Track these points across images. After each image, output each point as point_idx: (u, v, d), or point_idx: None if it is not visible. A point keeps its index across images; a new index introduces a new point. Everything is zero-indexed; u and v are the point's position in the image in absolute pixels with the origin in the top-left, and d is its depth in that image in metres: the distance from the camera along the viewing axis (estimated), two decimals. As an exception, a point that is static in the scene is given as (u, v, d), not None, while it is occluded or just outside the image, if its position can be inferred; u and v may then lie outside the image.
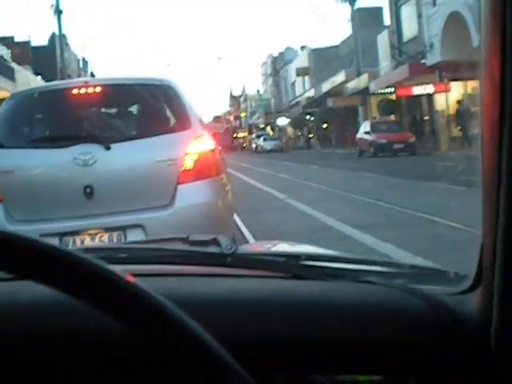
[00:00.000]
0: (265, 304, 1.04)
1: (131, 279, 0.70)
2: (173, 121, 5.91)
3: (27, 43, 46.36)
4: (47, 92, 6.15)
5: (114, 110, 6.64)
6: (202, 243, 1.30)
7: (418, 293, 1.09)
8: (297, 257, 1.26)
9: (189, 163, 5.39)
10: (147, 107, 6.08)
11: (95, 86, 5.77)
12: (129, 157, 5.45)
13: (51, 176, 5.40)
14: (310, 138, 67.88)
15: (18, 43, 43.38)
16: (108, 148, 5.36)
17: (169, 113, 6.01)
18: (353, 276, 1.18)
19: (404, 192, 14.39)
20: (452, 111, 34.53)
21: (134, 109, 6.45)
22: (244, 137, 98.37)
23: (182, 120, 5.69)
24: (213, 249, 1.26)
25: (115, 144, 5.42)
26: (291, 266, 1.21)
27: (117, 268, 0.71)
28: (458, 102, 33.28)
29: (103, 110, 6.52)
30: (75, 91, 5.76)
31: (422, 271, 1.32)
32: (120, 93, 5.98)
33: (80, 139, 5.43)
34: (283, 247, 1.82)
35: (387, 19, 46.21)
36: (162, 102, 6.00)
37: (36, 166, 5.52)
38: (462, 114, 32.67)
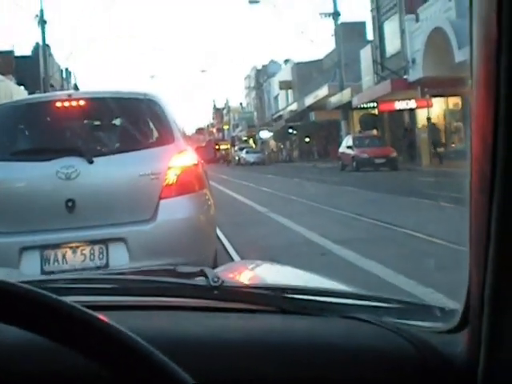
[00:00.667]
0: (252, 342, 1.03)
1: (103, 318, 0.70)
2: (156, 135, 5.91)
3: (11, 53, 46.17)
4: (30, 104, 6.13)
5: (97, 124, 6.63)
6: (189, 275, 1.29)
7: (405, 332, 1.07)
8: (283, 290, 1.25)
9: (172, 178, 5.38)
10: (131, 121, 6.07)
11: (79, 100, 5.76)
12: (112, 171, 5.44)
13: (33, 189, 5.37)
14: (293, 151, 68.06)
15: (1, 52, 43.19)
16: (91, 162, 5.35)
17: (152, 127, 6.01)
18: (340, 311, 1.17)
19: (385, 207, 14.44)
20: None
21: (117, 123, 6.44)
22: (227, 149, 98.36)
23: (166, 134, 5.68)
24: (200, 281, 1.25)
25: (98, 158, 5.41)
26: (278, 299, 1.20)
27: (102, 299, 0.71)
28: (428, 119, 33.55)
29: (86, 123, 6.50)
30: (58, 104, 5.75)
31: (409, 307, 1.31)
32: (103, 106, 5.96)
33: (63, 152, 5.41)
34: (268, 273, 1.81)
35: (370, 34, 46.49)
36: (145, 116, 6.00)
37: (18, 179, 5.49)
38: (432, 131, 32.96)
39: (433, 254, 8.38)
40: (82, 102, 5.74)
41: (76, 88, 47.04)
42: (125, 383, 0.70)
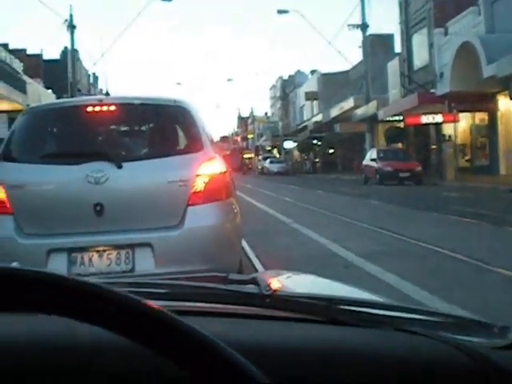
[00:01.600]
0: (313, 351, 1.03)
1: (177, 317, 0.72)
2: (185, 142, 5.94)
3: (39, 56, 46.60)
4: (62, 108, 6.18)
5: (127, 129, 6.67)
6: (241, 282, 1.30)
7: (464, 347, 1.06)
8: (334, 301, 1.26)
9: (200, 185, 5.41)
10: (160, 127, 6.11)
11: (109, 105, 5.80)
12: (140, 176, 5.47)
13: (62, 192, 5.42)
14: (316, 162, 67.95)
15: (30, 56, 43.59)
16: (120, 167, 5.38)
17: (182, 134, 6.04)
18: (392, 324, 1.16)
19: (409, 221, 14.39)
20: (460, 141, 34.74)
21: (147, 128, 6.48)
22: (250, 158, 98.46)
23: (195, 142, 5.71)
24: (252, 289, 1.25)
25: (127, 163, 5.44)
26: (330, 310, 1.20)
27: (156, 303, 0.73)
28: (449, 136, 33.67)
29: (116, 128, 6.55)
30: (89, 109, 5.80)
31: (461, 322, 1.29)
32: (134, 112, 6.00)
33: (92, 157, 5.45)
34: (309, 284, 1.81)
35: (398, 47, 46.40)
36: (175, 123, 6.03)
37: (48, 182, 5.54)
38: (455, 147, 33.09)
39: (455, 270, 8.35)
40: (112, 108, 5.78)
41: (107, 94, 47.31)
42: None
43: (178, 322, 0.72)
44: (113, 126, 6.41)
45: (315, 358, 1.02)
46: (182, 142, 6.02)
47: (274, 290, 1.21)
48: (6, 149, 5.71)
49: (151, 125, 6.36)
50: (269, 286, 1.21)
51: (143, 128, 6.53)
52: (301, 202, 21.29)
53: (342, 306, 1.21)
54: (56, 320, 0.75)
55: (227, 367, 0.71)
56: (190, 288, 1.33)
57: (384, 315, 1.20)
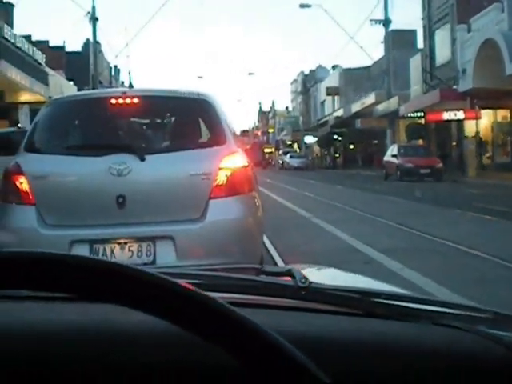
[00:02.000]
0: (345, 343, 1.04)
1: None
2: (208, 135, 5.95)
3: (62, 48, 46.81)
4: (86, 100, 6.21)
5: (150, 122, 6.69)
6: (276, 274, 1.29)
7: (501, 340, 1.05)
8: (370, 294, 1.26)
9: (222, 178, 5.41)
10: (183, 120, 6.12)
11: (133, 97, 5.81)
12: (163, 169, 5.48)
13: (85, 183, 5.44)
14: (337, 157, 67.85)
15: (52, 48, 43.78)
16: (143, 159, 5.39)
17: (204, 127, 6.04)
18: (430, 318, 1.15)
19: (429, 218, 14.31)
20: (482, 138, 34.55)
21: (170, 121, 6.49)
22: (271, 152, 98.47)
23: (218, 135, 5.71)
24: (287, 281, 1.25)
25: (150, 155, 5.45)
26: (365, 303, 1.20)
27: None
28: (465, 137, 33.55)
29: (140, 121, 6.57)
30: (113, 101, 5.81)
31: (496, 316, 1.27)
32: (157, 105, 6.02)
33: (115, 149, 5.47)
34: (340, 277, 1.81)
35: (420, 43, 46.17)
36: (198, 116, 6.04)
37: (70, 173, 5.56)
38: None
39: (475, 267, 8.30)
40: (136, 100, 5.79)
41: (131, 86, 47.46)
42: (262, 379, 0.72)
43: (245, 320, 0.72)
44: (136, 119, 6.43)
45: (357, 349, 1.02)
46: (205, 135, 6.03)
47: (310, 283, 1.20)
48: (30, 140, 5.74)
49: (174, 118, 6.37)
50: (305, 278, 1.21)
51: (166, 121, 6.54)
52: (321, 197, 21.27)
53: (376, 299, 1.21)
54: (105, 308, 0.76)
55: (291, 366, 0.71)
56: (226, 279, 1.33)
57: (419, 309, 1.20)
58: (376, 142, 54.37)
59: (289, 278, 1.25)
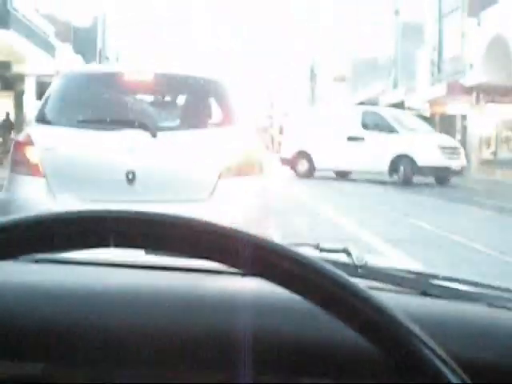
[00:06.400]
0: (426, 323, 1.03)
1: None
2: (220, 116, 5.95)
3: (70, 22, 46.58)
4: (99, 74, 6.21)
5: (163, 99, 6.68)
6: (332, 251, 1.28)
7: None
8: (427, 275, 1.26)
9: (231, 159, 5.42)
10: (196, 100, 6.13)
11: (147, 74, 5.81)
12: (174, 146, 5.48)
13: (95, 157, 5.44)
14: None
15: (61, 21, 43.55)
16: (154, 136, 5.40)
17: (217, 107, 6.05)
18: (487, 300, 1.15)
19: (431, 212, 14.35)
20: (485, 133, 34.42)
21: (182, 100, 6.49)
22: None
23: (229, 115, 5.72)
24: (344, 258, 1.25)
25: (162, 132, 5.45)
26: (421, 283, 1.20)
27: None
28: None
29: (153, 98, 6.56)
30: (127, 77, 5.81)
31: None
32: (170, 83, 6.02)
33: (127, 124, 5.47)
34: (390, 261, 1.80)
35: (429, 35, 45.90)
36: (210, 96, 6.04)
37: (81, 146, 5.55)
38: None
39: (475, 261, 8.33)
40: (149, 77, 5.79)
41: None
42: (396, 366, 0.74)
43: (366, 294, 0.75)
44: (149, 96, 6.43)
45: (436, 329, 0.99)
46: (217, 115, 6.03)
47: (366, 261, 1.20)
48: (42, 111, 5.74)
49: (187, 96, 6.37)
50: (361, 256, 1.21)
51: (179, 99, 6.53)
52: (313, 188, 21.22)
53: (434, 281, 1.22)
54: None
55: (432, 364, 0.72)
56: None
57: (476, 292, 1.21)
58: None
59: (345, 256, 1.24)
